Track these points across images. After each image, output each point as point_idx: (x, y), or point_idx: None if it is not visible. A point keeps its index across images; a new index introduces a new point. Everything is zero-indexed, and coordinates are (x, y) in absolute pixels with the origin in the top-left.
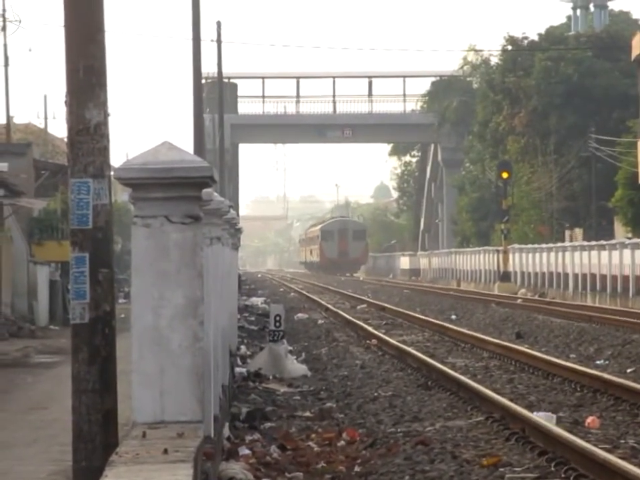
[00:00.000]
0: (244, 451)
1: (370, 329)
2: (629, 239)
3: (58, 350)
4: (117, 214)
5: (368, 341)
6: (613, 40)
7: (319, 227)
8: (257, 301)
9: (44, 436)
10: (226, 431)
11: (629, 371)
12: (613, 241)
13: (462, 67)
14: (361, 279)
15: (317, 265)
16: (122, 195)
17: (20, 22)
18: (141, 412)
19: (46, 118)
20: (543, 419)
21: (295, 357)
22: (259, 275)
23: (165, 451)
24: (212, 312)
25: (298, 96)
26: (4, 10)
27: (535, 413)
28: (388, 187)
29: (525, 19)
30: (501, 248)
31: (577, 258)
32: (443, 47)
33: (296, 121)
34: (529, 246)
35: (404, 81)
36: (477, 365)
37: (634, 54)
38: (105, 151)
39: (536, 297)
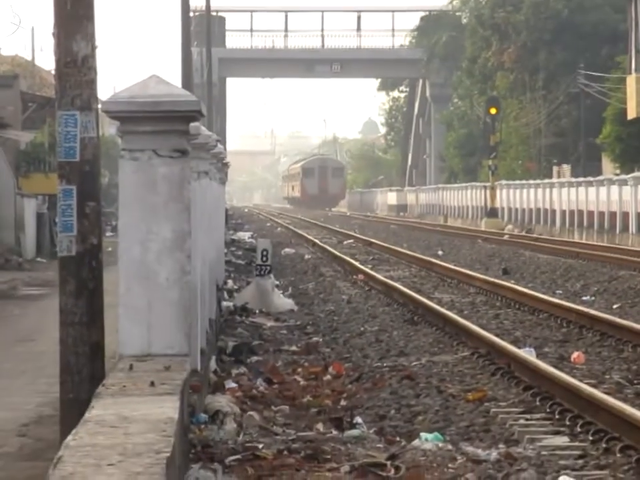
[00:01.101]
0: (230, 384)
1: (357, 264)
2: (617, 175)
3: (45, 282)
4: (105, 147)
5: (354, 276)
6: None
7: (300, 164)
8: (244, 235)
9: (31, 368)
10: (212, 365)
11: (615, 306)
12: (601, 177)
13: (451, 2)
14: (348, 214)
15: (298, 200)
16: (109, 128)
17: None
18: (127, 345)
19: (33, 50)
20: (523, 353)
21: (281, 291)
22: (246, 210)
23: (152, 384)
24: (199, 246)
25: (286, 30)
26: None
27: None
28: (376, 122)
29: None
30: (488, 184)
31: (565, 194)
32: None
33: (284, 55)
34: (517, 182)
35: (393, 16)
36: (464, 301)
37: None
38: (92, 83)
39: (523, 233)
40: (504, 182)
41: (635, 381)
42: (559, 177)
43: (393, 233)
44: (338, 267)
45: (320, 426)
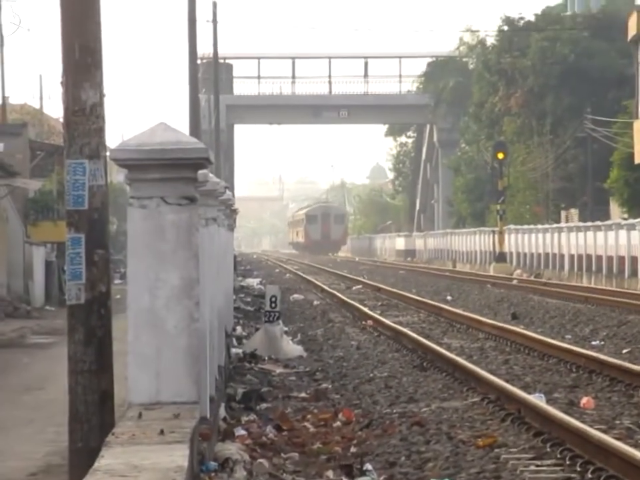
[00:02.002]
0: (240, 431)
1: (365, 309)
2: (625, 219)
3: (53, 330)
4: (113, 195)
5: (363, 322)
6: (609, 20)
7: (304, 211)
8: (253, 281)
9: (40, 416)
10: (222, 412)
11: (624, 351)
12: (609, 222)
13: (458, 48)
14: (356, 259)
15: (302, 246)
16: (117, 176)
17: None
18: (136, 393)
19: (41, 98)
20: (533, 399)
21: (290, 337)
22: (255, 256)
23: (161, 432)
24: (207, 293)
25: (294, 76)
26: None
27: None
28: (384, 167)
29: None
30: (496, 229)
31: (573, 239)
32: (439, 27)
33: (291, 101)
34: (525, 227)
35: (400, 62)
36: (473, 346)
37: (630, 34)
38: (100, 131)
39: (531, 278)
40: (512, 226)
41: None
42: (566, 221)
43: (402, 279)
44: (347, 313)
45: (330, 473)
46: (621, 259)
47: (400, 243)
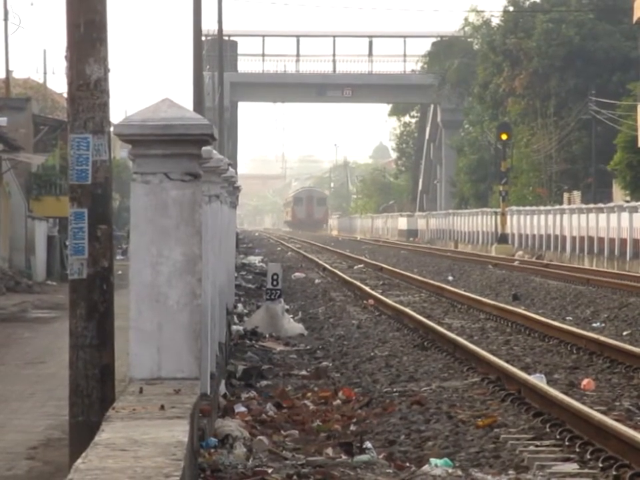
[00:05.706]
0: (240, 408)
1: (367, 288)
2: (627, 202)
3: (55, 305)
4: (116, 170)
5: (365, 301)
6: (614, 2)
7: (292, 194)
8: (255, 259)
9: (41, 390)
10: (222, 388)
11: (625, 333)
12: (611, 204)
13: (463, 28)
14: (359, 238)
15: (291, 223)
16: (121, 151)
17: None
18: (138, 368)
19: (45, 73)
20: (533, 379)
21: (291, 315)
22: (257, 234)
23: (162, 407)
24: (210, 269)
25: (298, 55)
26: None
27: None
28: (387, 147)
29: None
30: (498, 210)
31: (575, 221)
32: (444, 7)
33: (296, 79)
34: (527, 208)
35: (404, 41)
36: (474, 326)
37: (635, 16)
38: (104, 106)
39: (533, 259)
40: (514, 208)
41: None
42: (569, 203)
43: (404, 258)
44: (348, 292)
45: (329, 451)
46: (623, 242)
47: (402, 222)
